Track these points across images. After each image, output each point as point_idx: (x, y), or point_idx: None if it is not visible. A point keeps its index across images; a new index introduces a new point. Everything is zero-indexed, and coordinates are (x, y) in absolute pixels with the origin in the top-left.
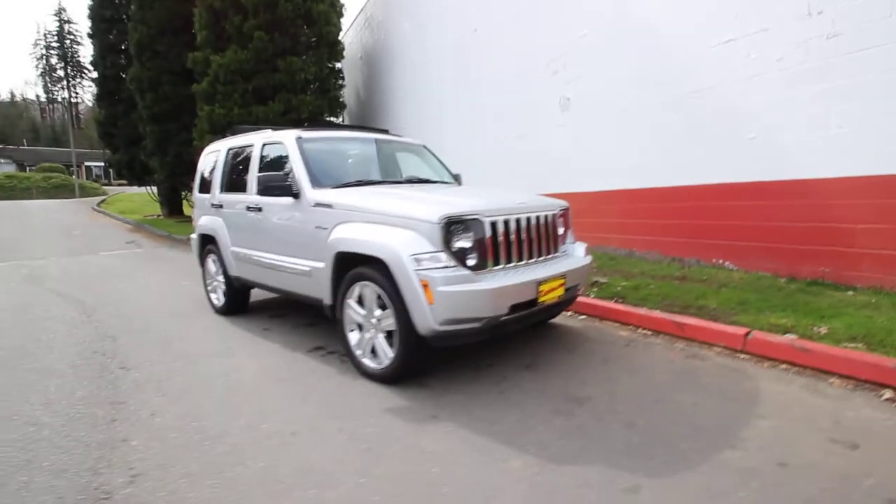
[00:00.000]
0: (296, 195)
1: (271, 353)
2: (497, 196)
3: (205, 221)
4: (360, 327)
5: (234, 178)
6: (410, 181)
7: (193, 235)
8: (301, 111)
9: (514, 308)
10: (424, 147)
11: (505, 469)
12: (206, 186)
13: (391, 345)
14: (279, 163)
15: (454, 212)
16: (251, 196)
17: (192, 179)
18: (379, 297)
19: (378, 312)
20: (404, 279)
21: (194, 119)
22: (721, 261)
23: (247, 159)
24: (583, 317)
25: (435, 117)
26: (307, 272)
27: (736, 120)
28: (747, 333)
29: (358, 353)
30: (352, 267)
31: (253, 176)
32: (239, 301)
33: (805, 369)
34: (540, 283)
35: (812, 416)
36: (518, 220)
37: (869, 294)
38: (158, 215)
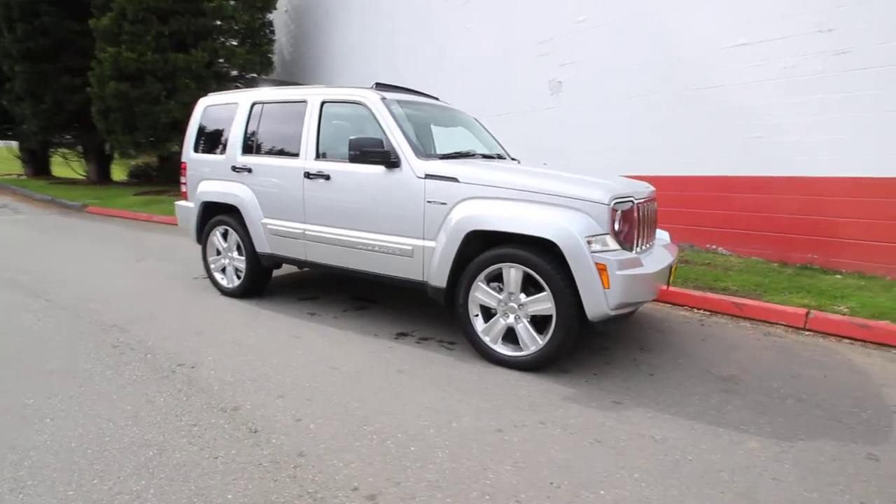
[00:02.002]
0: (393, 164)
1: (355, 341)
2: (612, 178)
3: (217, 188)
4: (488, 312)
5: (269, 139)
6: (491, 156)
7: (185, 203)
8: (232, 64)
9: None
10: (476, 119)
11: (749, 450)
12: (211, 145)
13: (540, 331)
14: (353, 126)
15: (620, 193)
16: (308, 161)
17: (73, 133)
18: (527, 279)
19: (523, 297)
20: (579, 262)
21: (87, 61)
22: (714, 246)
23: (292, 118)
24: None
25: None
26: (408, 251)
27: (740, 118)
28: (807, 313)
29: (486, 339)
30: (483, 247)
31: (309, 138)
32: (261, 282)
33: (867, 343)
34: (671, 266)
35: None
36: (642, 205)
37: (855, 277)
38: (20, 175)
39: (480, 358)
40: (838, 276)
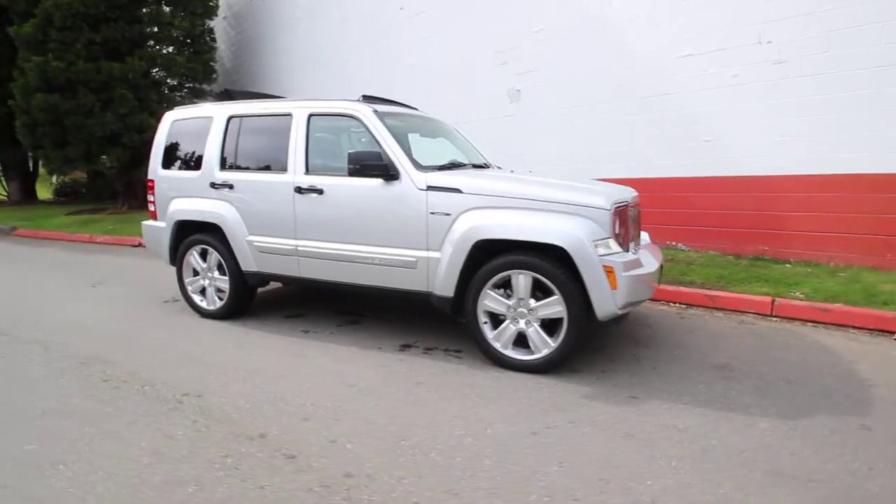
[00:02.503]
0: (392, 177)
1: (361, 356)
2: (601, 184)
3: (193, 206)
4: (496, 319)
5: (251, 154)
6: (480, 166)
7: (154, 223)
8: (172, 73)
9: None
10: (456, 129)
11: (762, 431)
12: (182, 161)
13: (550, 333)
14: (343, 139)
15: (618, 198)
16: (298, 176)
17: None
18: (537, 285)
19: (533, 302)
20: (588, 266)
21: (8, 70)
22: (674, 243)
23: (276, 132)
24: None
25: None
26: (410, 263)
27: (694, 123)
28: (773, 301)
29: (497, 345)
30: (487, 256)
31: (297, 152)
32: (245, 301)
33: (827, 325)
34: (661, 265)
35: (877, 354)
36: (632, 208)
37: (803, 266)
38: None
39: (490, 364)
40: (788, 266)
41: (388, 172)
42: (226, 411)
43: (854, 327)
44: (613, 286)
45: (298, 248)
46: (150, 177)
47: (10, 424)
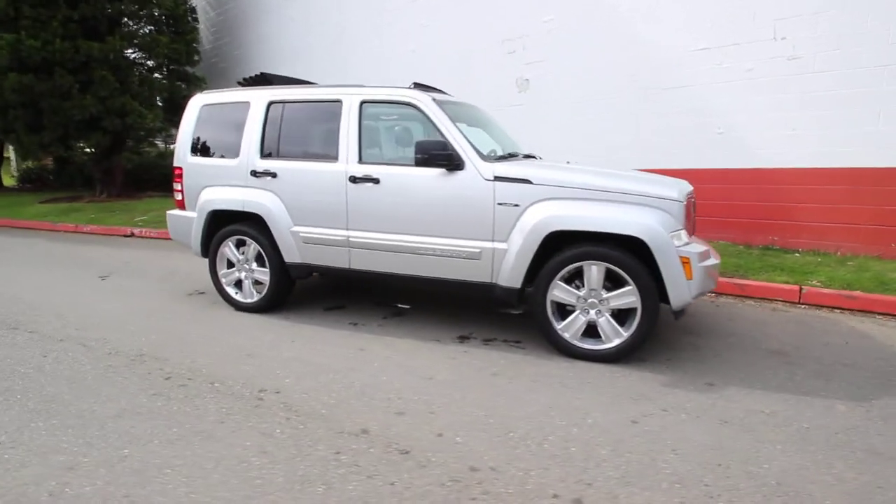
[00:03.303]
0: (457, 167)
1: (423, 349)
2: (659, 175)
3: (231, 195)
4: (563, 309)
5: (296, 141)
6: (530, 156)
7: (183, 213)
8: (155, 54)
9: None
10: (493, 118)
11: (843, 413)
12: (215, 148)
13: (621, 323)
14: (401, 128)
15: (688, 190)
16: (352, 165)
17: None
18: (609, 275)
19: (605, 292)
20: (666, 257)
21: None
22: None
23: (324, 119)
24: None
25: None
26: (475, 253)
27: (708, 116)
28: (801, 289)
29: (566, 335)
30: (558, 247)
31: (350, 140)
32: (284, 295)
33: (854, 312)
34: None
35: None
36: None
37: (812, 255)
38: None
39: (556, 354)
40: (797, 255)
41: (452, 162)
42: (313, 407)
43: (879, 313)
44: (689, 276)
45: (350, 239)
46: (176, 164)
47: (84, 428)
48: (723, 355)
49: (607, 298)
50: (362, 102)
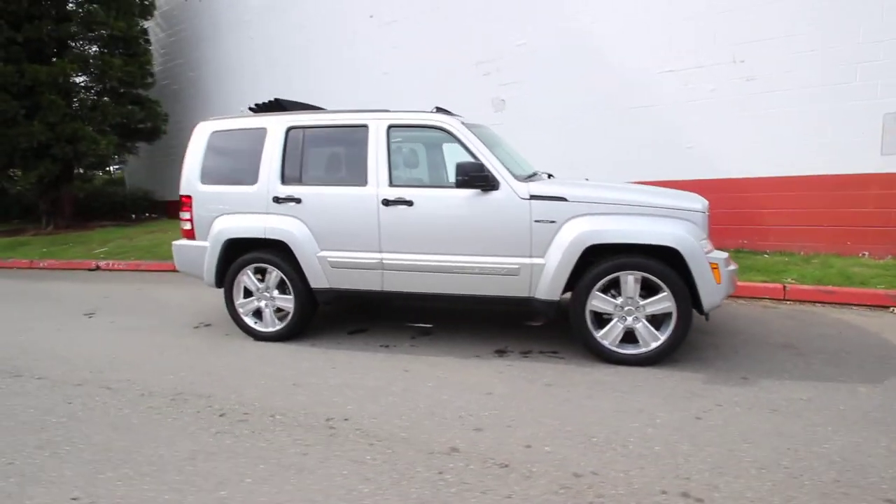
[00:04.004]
0: (492, 187)
1: (468, 365)
2: (675, 190)
3: (250, 223)
4: (599, 318)
5: (319, 167)
6: (549, 174)
7: (192, 243)
8: (108, 77)
9: None
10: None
11: (866, 395)
12: (229, 175)
13: (656, 328)
14: (428, 152)
15: (707, 202)
16: (383, 188)
17: None
18: (644, 283)
19: (641, 300)
20: (698, 264)
21: None
22: None
23: (349, 143)
24: None
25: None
26: (513, 270)
27: (676, 132)
28: (784, 287)
29: (605, 343)
30: (589, 260)
31: (379, 164)
32: (307, 321)
33: (833, 305)
34: None
35: (890, 323)
36: None
37: (779, 255)
38: None
39: (595, 361)
40: (766, 256)
41: (489, 183)
42: (389, 430)
43: (854, 304)
44: (718, 281)
45: (384, 262)
46: (184, 192)
47: (162, 474)
48: (741, 352)
49: (643, 305)
50: (390, 127)
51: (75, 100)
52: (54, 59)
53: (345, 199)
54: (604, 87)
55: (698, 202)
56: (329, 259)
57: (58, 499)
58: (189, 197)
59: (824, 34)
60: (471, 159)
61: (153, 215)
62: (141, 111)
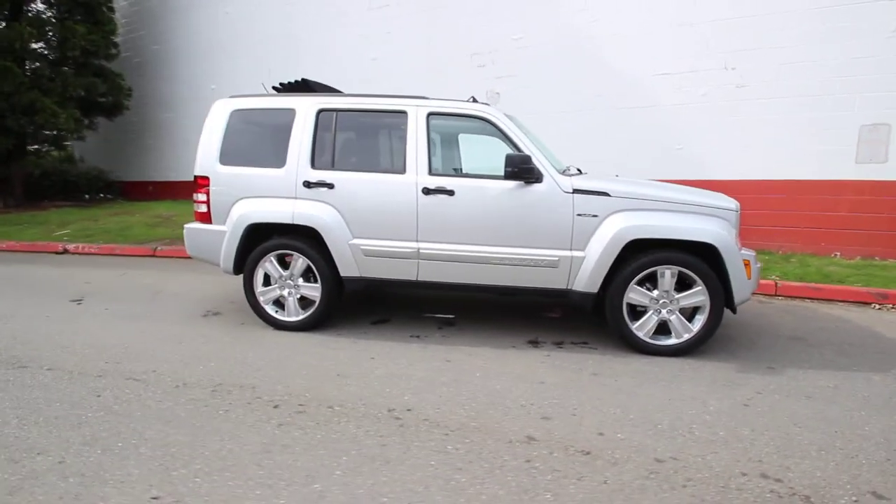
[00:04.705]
0: (536, 180)
1: (509, 356)
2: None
3: (277, 207)
4: (634, 310)
5: (354, 152)
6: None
7: (208, 227)
8: (70, 45)
9: None
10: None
11: (880, 381)
12: (253, 156)
13: (689, 320)
14: (456, 140)
15: (738, 202)
16: (423, 177)
17: None
18: (680, 277)
19: (676, 293)
20: (733, 260)
21: None
22: None
23: (385, 129)
24: None
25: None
26: (553, 262)
27: (667, 133)
28: (776, 284)
29: (640, 334)
30: (624, 255)
31: (419, 152)
32: (332, 310)
33: (821, 301)
34: None
35: (876, 318)
36: None
37: (761, 254)
38: None
39: (627, 351)
40: None
41: (534, 176)
42: (458, 420)
43: (839, 300)
44: (748, 276)
45: (421, 251)
46: (201, 173)
47: (242, 469)
48: (757, 343)
49: (678, 298)
50: (429, 114)
51: (28, 68)
52: (5, 24)
53: (382, 187)
54: (598, 87)
55: (731, 202)
56: (362, 247)
57: (136, 499)
58: (206, 178)
59: (809, 49)
60: (514, 151)
61: (108, 196)
62: (104, 84)
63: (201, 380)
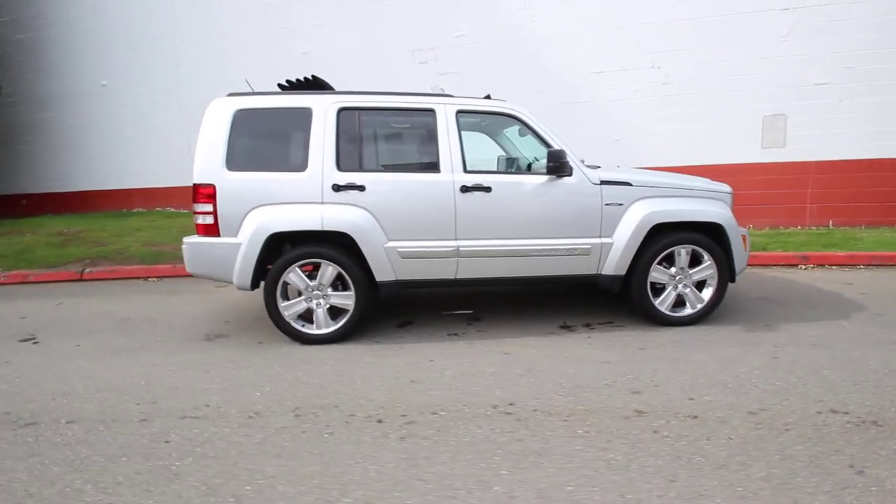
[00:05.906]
0: (567, 174)
1: (555, 342)
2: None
3: (307, 213)
4: (654, 287)
5: (382, 152)
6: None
7: (215, 240)
8: None
9: None
10: None
11: (877, 334)
12: (266, 160)
13: (699, 291)
14: (494, 138)
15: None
16: (458, 175)
17: None
18: (693, 255)
19: (690, 269)
20: (735, 236)
21: None
22: None
23: (413, 128)
24: None
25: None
26: (585, 249)
27: (605, 126)
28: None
29: (662, 308)
30: (653, 237)
31: (452, 150)
32: (362, 319)
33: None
34: None
35: (808, 276)
36: None
37: None
38: None
39: (649, 325)
40: None
41: (566, 170)
42: (563, 406)
43: (772, 265)
44: (745, 248)
45: (460, 249)
46: (203, 181)
47: (406, 485)
48: (741, 307)
49: (691, 273)
50: (458, 112)
51: None
52: None
53: (416, 187)
54: (540, 84)
55: (727, 186)
56: (399, 250)
57: None
58: (210, 186)
59: (720, 48)
60: (546, 147)
61: None
62: None
63: (270, 406)
